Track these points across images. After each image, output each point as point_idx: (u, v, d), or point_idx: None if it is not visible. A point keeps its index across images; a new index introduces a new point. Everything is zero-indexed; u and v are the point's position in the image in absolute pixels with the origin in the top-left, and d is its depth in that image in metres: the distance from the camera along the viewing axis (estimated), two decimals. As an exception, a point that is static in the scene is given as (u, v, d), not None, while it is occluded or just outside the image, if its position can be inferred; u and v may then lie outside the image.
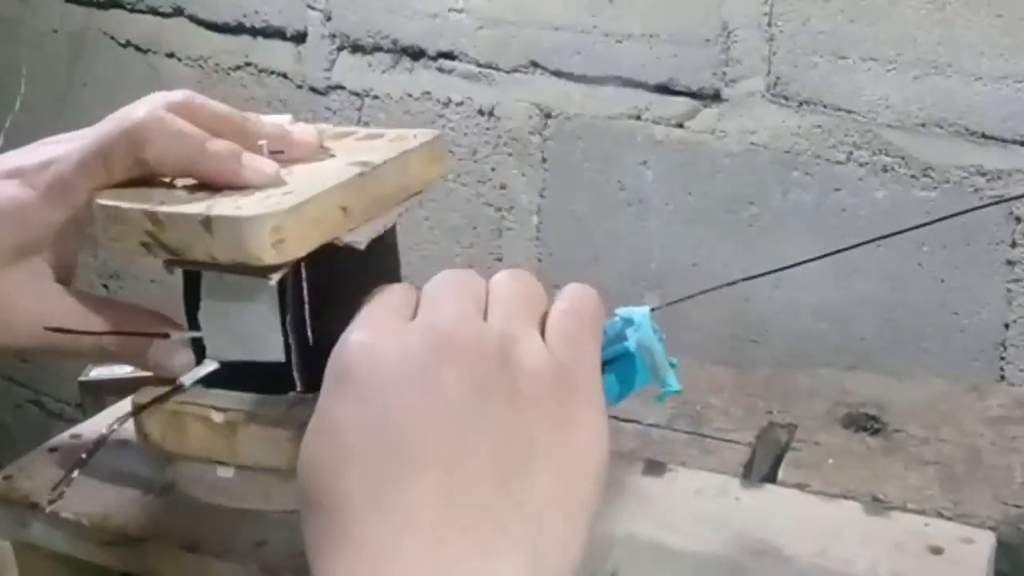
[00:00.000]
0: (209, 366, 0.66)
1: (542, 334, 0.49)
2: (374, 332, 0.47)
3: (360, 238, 0.63)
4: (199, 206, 0.61)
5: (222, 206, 0.61)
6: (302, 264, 0.63)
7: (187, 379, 0.66)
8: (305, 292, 0.65)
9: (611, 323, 0.53)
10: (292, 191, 0.62)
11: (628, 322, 0.53)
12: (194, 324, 0.66)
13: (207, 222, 0.60)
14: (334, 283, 0.66)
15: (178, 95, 0.66)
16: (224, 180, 0.64)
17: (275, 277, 0.61)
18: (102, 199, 0.63)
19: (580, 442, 0.47)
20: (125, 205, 0.62)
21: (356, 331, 0.48)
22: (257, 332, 0.66)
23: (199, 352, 0.67)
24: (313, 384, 0.63)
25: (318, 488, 0.45)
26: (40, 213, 0.66)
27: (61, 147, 0.67)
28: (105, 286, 1.54)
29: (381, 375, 0.46)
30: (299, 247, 0.60)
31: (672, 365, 0.53)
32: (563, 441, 0.46)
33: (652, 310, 0.53)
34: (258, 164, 0.65)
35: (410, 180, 0.68)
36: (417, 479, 0.43)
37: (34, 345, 0.67)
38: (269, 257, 0.59)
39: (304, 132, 0.68)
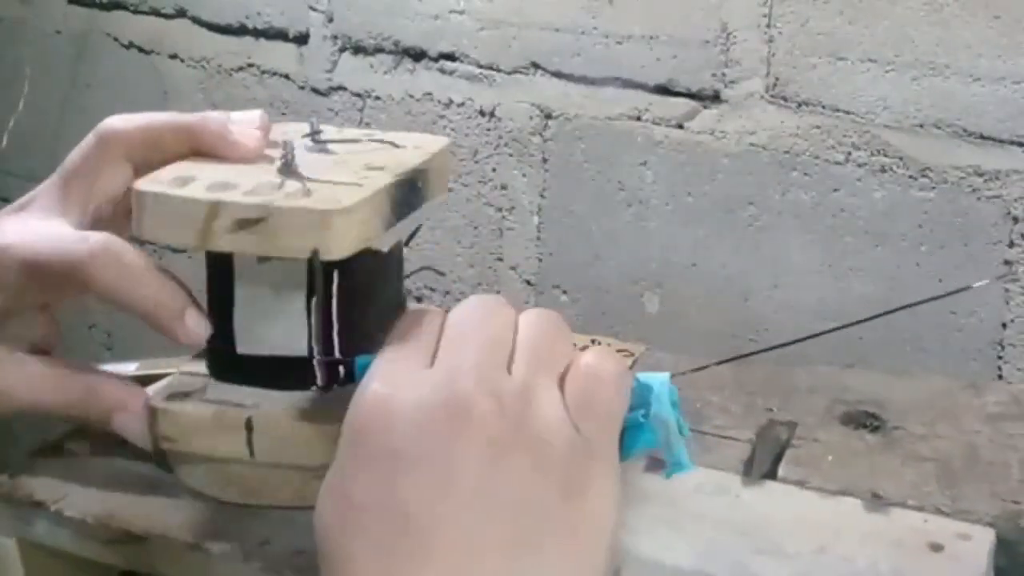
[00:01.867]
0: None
1: (563, 385, 0.48)
2: (390, 385, 0.46)
3: (385, 241, 0.64)
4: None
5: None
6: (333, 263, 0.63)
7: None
8: (335, 289, 0.65)
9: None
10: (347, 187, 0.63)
11: (646, 388, 0.51)
12: (222, 315, 0.67)
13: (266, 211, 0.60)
14: (354, 284, 0.66)
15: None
16: (219, 146, 0.65)
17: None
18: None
19: (591, 509, 0.46)
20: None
21: (374, 381, 0.47)
22: (285, 327, 0.66)
23: (219, 352, 0.68)
24: (332, 380, 0.65)
25: (329, 544, 0.45)
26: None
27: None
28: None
29: (394, 439, 0.45)
30: (356, 244, 0.61)
31: (682, 434, 0.52)
32: (574, 508, 0.45)
33: (672, 376, 0.52)
34: (247, 135, 0.67)
35: (431, 188, 0.68)
36: (427, 557, 0.43)
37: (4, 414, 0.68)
38: (335, 251, 0.60)
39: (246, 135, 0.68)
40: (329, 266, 0.62)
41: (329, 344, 0.65)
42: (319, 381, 0.65)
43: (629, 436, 0.51)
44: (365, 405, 0.46)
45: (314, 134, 0.70)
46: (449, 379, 0.46)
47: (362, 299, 0.66)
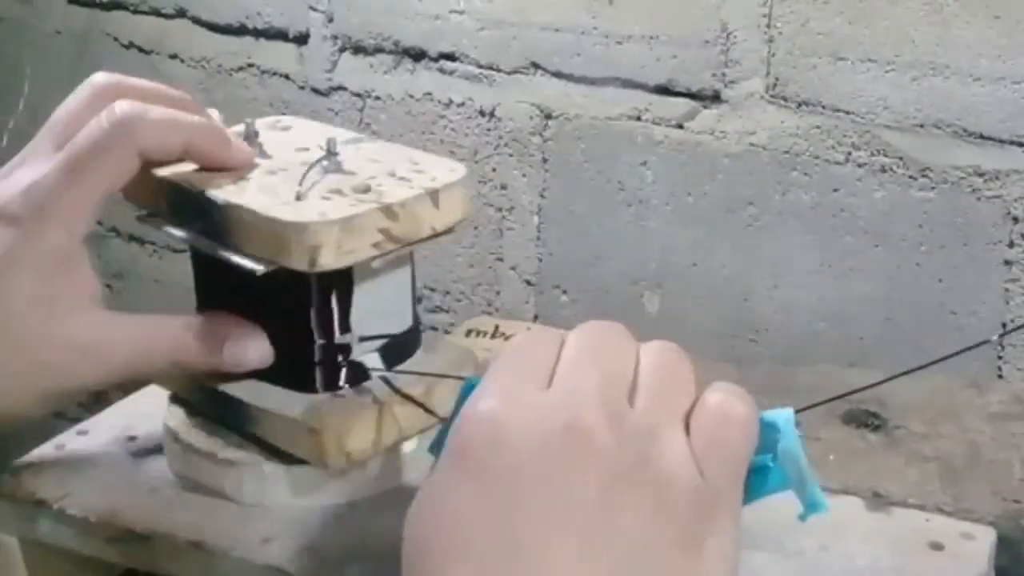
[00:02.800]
0: None
1: (687, 426, 0.45)
2: (505, 403, 0.43)
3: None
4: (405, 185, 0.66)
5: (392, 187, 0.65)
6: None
7: None
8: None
9: None
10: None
11: (771, 426, 0.47)
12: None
13: (435, 195, 0.65)
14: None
15: (103, 81, 0.66)
16: (216, 159, 0.64)
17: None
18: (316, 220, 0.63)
19: (708, 561, 0.44)
20: (356, 212, 0.63)
21: (485, 398, 0.44)
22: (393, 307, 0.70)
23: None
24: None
25: (426, 564, 0.42)
26: (55, 239, 0.63)
27: (26, 171, 0.65)
28: (108, 286, 1.55)
29: (508, 461, 0.42)
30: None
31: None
32: (691, 558, 0.43)
33: (797, 412, 0.48)
34: (243, 145, 0.66)
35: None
36: None
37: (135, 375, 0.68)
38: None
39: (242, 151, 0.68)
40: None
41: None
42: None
43: (755, 480, 0.47)
44: (478, 422, 0.43)
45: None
46: (569, 403, 0.43)
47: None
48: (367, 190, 0.65)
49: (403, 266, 0.70)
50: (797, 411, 0.48)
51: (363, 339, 0.68)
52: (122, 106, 0.64)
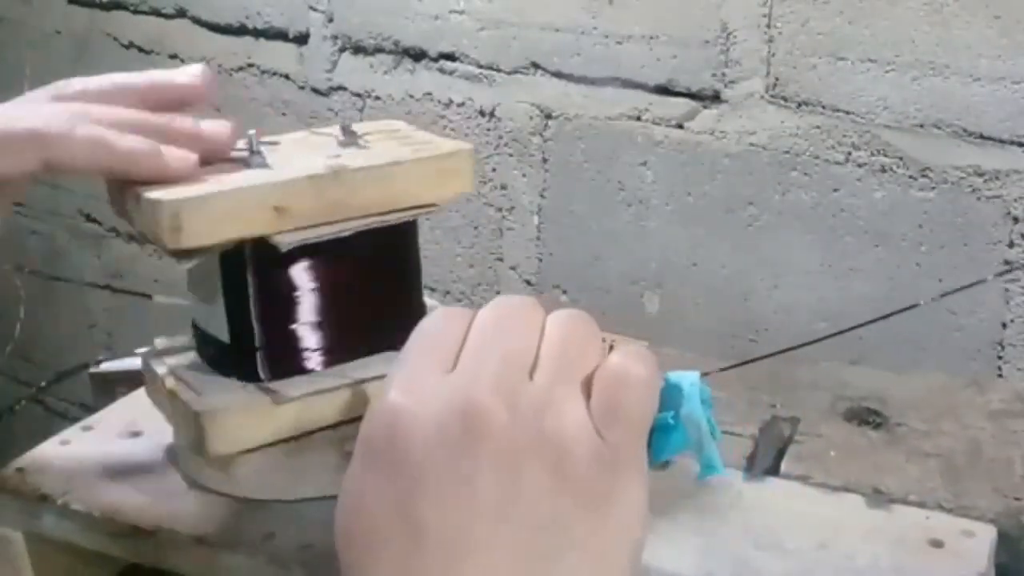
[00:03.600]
0: None
1: (589, 390, 0.45)
2: (405, 394, 0.44)
3: (285, 240, 0.65)
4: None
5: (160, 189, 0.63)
6: (247, 254, 0.66)
7: None
8: (250, 284, 0.68)
9: None
10: (224, 182, 0.64)
11: (675, 388, 0.49)
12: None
13: (136, 197, 0.63)
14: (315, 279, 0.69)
15: (69, 88, 0.66)
16: (147, 175, 0.64)
17: (187, 264, 0.64)
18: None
19: (617, 521, 0.44)
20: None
21: (391, 390, 0.45)
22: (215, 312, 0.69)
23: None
24: (272, 373, 0.69)
25: (349, 555, 0.44)
26: None
27: None
28: (109, 286, 1.55)
29: (409, 452, 0.43)
30: (202, 237, 0.62)
31: (714, 436, 0.50)
32: (598, 520, 0.44)
33: (702, 375, 0.50)
34: (179, 154, 0.65)
35: (400, 192, 0.69)
36: (445, 573, 0.42)
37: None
38: (169, 241, 0.61)
39: (216, 128, 0.68)
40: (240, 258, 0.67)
41: (247, 337, 0.69)
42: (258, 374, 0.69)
43: (658, 439, 0.48)
44: (380, 414, 0.44)
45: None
46: (466, 387, 0.44)
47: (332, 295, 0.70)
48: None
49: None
50: (703, 374, 0.50)
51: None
52: (53, 118, 0.64)
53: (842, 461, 0.74)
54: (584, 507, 0.43)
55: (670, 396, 0.49)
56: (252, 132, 0.68)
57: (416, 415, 0.44)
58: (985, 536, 0.67)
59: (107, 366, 0.75)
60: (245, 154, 0.68)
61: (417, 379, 0.45)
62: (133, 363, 0.73)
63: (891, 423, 0.78)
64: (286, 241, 0.64)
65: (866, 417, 0.79)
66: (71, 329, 1.68)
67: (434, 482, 0.42)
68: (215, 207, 0.63)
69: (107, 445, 0.75)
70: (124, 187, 0.65)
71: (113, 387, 0.76)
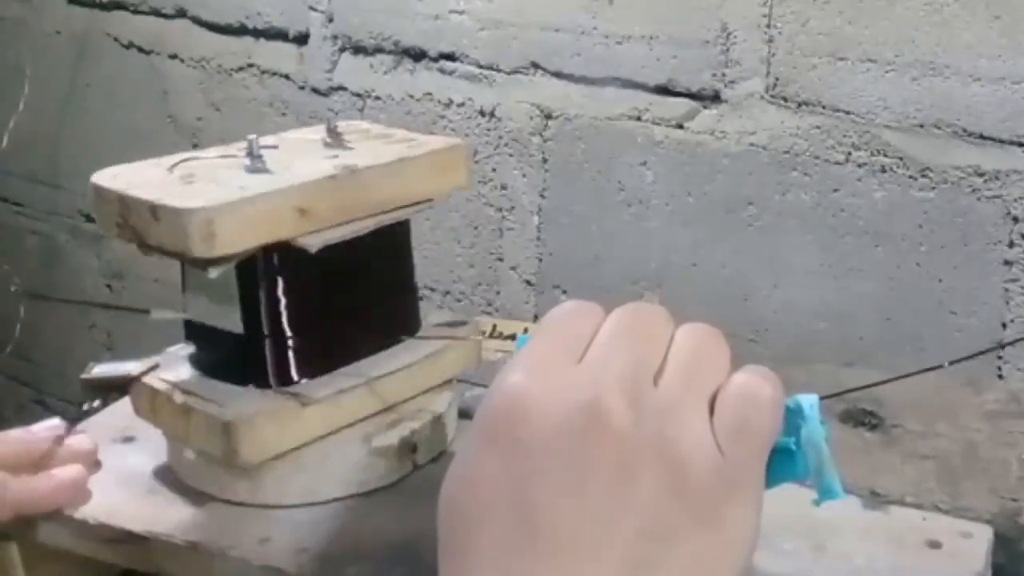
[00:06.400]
0: None
1: (712, 406, 0.45)
2: (531, 378, 0.44)
3: (312, 241, 0.65)
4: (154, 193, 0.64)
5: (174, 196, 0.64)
6: (274, 258, 0.66)
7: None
8: (281, 288, 0.68)
9: None
10: (246, 187, 0.64)
11: (794, 411, 0.48)
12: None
13: (153, 209, 0.63)
14: (324, 280, 0.69)
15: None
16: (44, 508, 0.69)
17: (214, 272, 0.64)
18: None
19: (727, 539, 0.43)
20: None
21: (514, 371, 0.45)
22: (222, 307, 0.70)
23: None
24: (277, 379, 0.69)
25: (451, 529, 0.44)
26: None
27: None
28: (109, 286, 1.55)
29: (529, 436, 0.43)
30: (235, 243, 0.62)
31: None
32: (709, 537, 0.43)
33: (821, 399, 0.48)
34: (65, 475, 0.70)
35: (408, 188, 0.69)
36: (546, 560, 0.42)
37: None
38: (200, 250, 0.61)
39: (79, 443, 0.72)
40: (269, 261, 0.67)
41: (261, 338, 0.70)
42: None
43: (778, 463, 0.47)
44: (503, 395, 0.44)
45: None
46: (593, 382, 0.44)
47: (333, 295, 0.71)
48: None
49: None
50: (822, 398, 0.49)
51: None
52: None
53: (838, 463, 0.74)
54: (697, 521, 0.43)
55: (791, 418, 0.48)
56: (252, 137, 0.68)
57: (540, 400, 0.43)
58: (982, 537, 0.67)
59: (99, 371, 0.74)
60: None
61: (544, 364, 0.45)
62: (125, 368, 0.73)
63: (887, 424, 0.78)
64: (314, 243, 0.65)
65: (862, 418, 0.79)
66: (71, 329, 1.68)
67: (550, 470, 0.42)
68: (245, 212, 0.62)
69: (100, 450, 0.75)
70: (123, 202, 0.64)
71: (105, 393, 0.76)
